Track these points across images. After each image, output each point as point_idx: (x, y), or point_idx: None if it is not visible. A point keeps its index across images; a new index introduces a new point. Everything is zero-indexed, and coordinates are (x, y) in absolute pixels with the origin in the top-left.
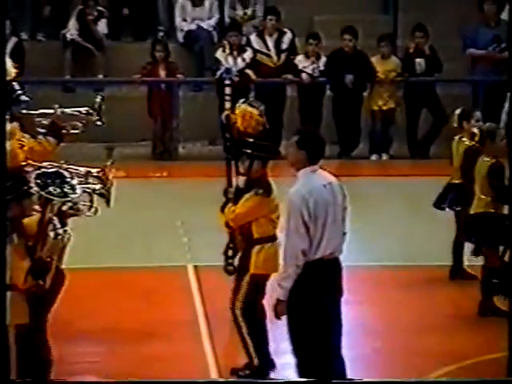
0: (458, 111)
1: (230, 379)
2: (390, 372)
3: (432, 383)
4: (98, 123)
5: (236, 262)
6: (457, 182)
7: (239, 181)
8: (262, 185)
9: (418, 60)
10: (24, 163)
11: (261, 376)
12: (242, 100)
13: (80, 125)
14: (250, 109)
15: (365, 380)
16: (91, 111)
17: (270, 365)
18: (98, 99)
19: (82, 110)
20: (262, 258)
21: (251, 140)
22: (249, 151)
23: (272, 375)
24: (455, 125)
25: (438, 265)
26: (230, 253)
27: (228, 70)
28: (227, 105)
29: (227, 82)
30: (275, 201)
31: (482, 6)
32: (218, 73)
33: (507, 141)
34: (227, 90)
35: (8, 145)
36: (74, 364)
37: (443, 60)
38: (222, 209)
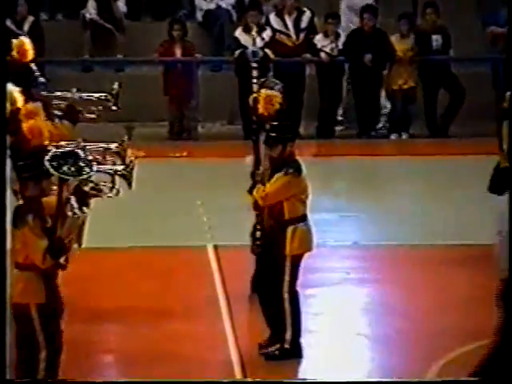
0: (509, 92)
1: (232, 379)
2: (411, 351)
3: (432, 383)
4: (114, 108)
5: (263, 243)
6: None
7: (265, 162)
8: (291, 164)
9: (434, 36)
10: (47, 142)
11: (290, 356)
12: (261, 80)
13: (95, 109)
14: (271, 93)
15: (365, 380)
16: (108, 97)
17: (299, 352)
18: (116, 85)
19: (100, 95)
20: (298, 239)
21: (275, 123)
22: (274, 134)
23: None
24: (505, 105)
25: (456, 244)
26: (258, 234)
27: (254, 53)
28: (254, 87)
29: (254, 64)
30: (305, 180)
31: None
32: (237, 52)
33: (508, 140)
34: (254, 73)
35: (33, 122)
36: (95, 343)
37: (461, 38)
38: (251, 190)
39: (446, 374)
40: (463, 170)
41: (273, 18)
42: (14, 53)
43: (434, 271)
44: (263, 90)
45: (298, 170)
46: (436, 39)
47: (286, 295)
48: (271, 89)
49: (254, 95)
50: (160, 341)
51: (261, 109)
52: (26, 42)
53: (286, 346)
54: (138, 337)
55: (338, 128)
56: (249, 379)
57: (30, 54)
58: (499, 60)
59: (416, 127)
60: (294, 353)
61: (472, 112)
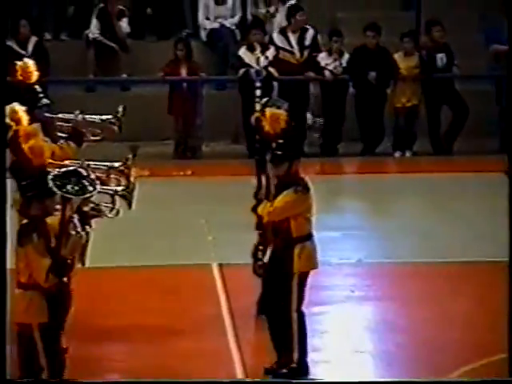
0: None
1: (234, 379)
2: (413, 368)
3: (432, 383)
4: (117, 131)
5: (266, 261)
6: None
7: (270, 181)
8: (300, 182)
9: (439, 55)
10: (49, 162)
11: (298, 375)
12: (265, 99)
13: (99, 131)
14: (277, 111)
15: (365, 380)
16: (112, 120)
17: (306, 371)
18: (121, 108)
19: (104, 117)
20: (305, 256)
21: (281, 141)
22: (280, 152)
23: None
24: None
25: (460, 261)
26: (260, 254)
27: (258, 72)
28: (257, 107)
29: (257, 84)
30: (311, 199)
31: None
32: (241, 71)
33: (507, 139)
34: (257, 92)
35: (34, 142)
36: (99, 361)
37: (464, 56)
38: (254, 209)
39: None
40: (467, 187)
41: (276, 36)
42: (19, 75)
43: (437, 288)
44: (268, 109)
45: (306, 188)
46: (441, 57)
47: (294, 314)
48: (277, 107)
49: (257, 114)
50: (165, 359)
51: (267, 127)
52: (30, 64)
53: (293, 365)
54: (143, 355)
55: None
56: (248, 379)
57: (35, 76)
58: (502, 77)
59: (420, 145)
60: (301, 372)
61: (475, 129)
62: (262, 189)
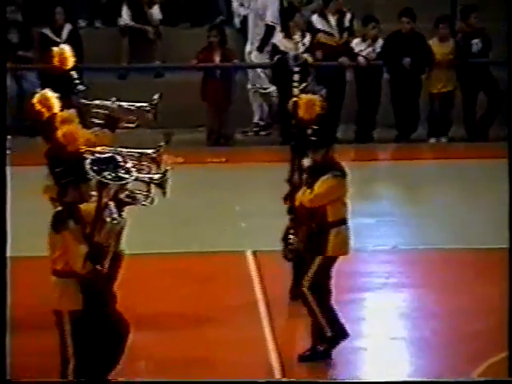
0: None
1: (240, 379)
2: (447, 354)
3: (433, 383)
4: (151, 118)
5: (298, 245)
6: None
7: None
8: (337, 167)
9: (474, 41)
10: (83, 148)
11: (335, 345)
12: (303, 85)
13: (134, 118)
14: (312, 97)
15: (364, 380)
16: (148, 108)
17: (343, 333)
18: (156, 97)
19: (139, 105)
20: (340, 241)
21: (316, 127)
22: (315, 138)
23: (345, 342)
24: None
25: (495, 247)
26: (291, 239)
27: (296, 57)
28: (295, 92)
29: (296, 69)
30: (347, 183)
31: None
32: (276, 58)
33: (507, 138)
34: (295, 77)
35: (68, 128)
36: (132, 348)
37: (500, 41)
38: (289, 195)
39: (486, 376)
40: (502, 173)
41: (315, 18)
42: (55, 60)
43: (471, 275)
44: (304, 95)
45: (343, 173)
46: (476, 43)
47: (305, 289)
48: (314, 93)
49: (294, 99)
50: (198, 346)
51: (302, 113)
52: (67, 49)
53: (328, 333)
54: (177, 342)
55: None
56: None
57: (70, 62)
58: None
59: (455, 131)
60: (339, 337)
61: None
62: (296, 174)
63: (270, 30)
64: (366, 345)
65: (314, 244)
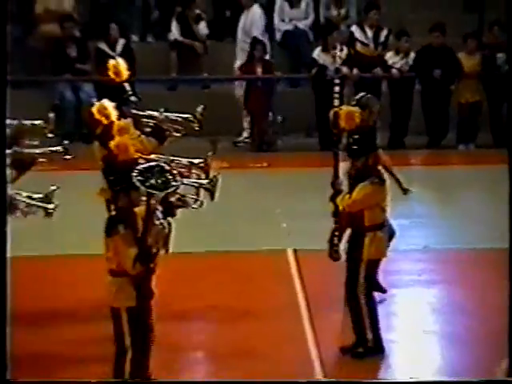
0: None
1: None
2: (480, 348)
3: (432, 383)
4: (197, 128)
5: (342, 248)
6: None
7: (343, 172)
8: (375, 174)
9: (499, 55)
10: (134, 157)
11: (374, 353)
12: (359, 95)
13: (181, 128)
14: (352, 109)
15: (364, 380)
16: (193, 119)
17: (382, 349)
18: (200, 108)
19: (185, 116)
20: (375, 245)
21: (356, 137)
22: (356, 147)
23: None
24: None
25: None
26: (336, 240)
27: (337, 70)
28: (336, 102)
29: (336, 81)
30: (386, 189)
31: None
32: (314, 70)
33: (507, 138)
34: (336, 89)
35: (120, 139)
36: (180, 341)
37: None
38: (332, 198)
39: None
40: None
41: (355, 29)
42: (110, 73)
43: (499, 272)
44: (344, 106)
45: (381, 179)
46: (500, 57)
47: (362, 297)
48: (369, 106)
49: (335, 110)
50: (242, 339)
51: (342, 123)
52: (121, 63)
53: (370, 345)
54: (220, 335)
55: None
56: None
57: (125, 74)
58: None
59: (482, 138)
60: (378, 350)
61: None
62: (339, 179)
63: (254, 43)
64: (399, 338)
65: (352, 247)
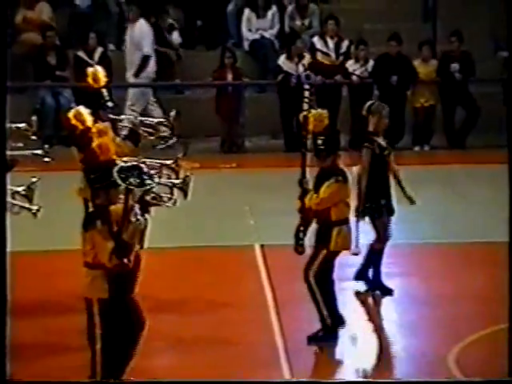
0: None
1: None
2: (434, 335)
3: (432, 383)
4: (168, 134)
5: (306, 241)
6: None
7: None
8: (339, 172)
9: (453, 65)
10: (113, 158)
11: (333, 333)
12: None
13: (155, 132)
14: (322, 112)
15: (364, 380)
16: (165, 123)
17: (340, 322)
18: (173, 113)
19: (158, 120)
20: (341, 238)
21: (323, 138)
22: (323, 147)
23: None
24: None
25: (473, 242)
26: (301, 235)
27: (308, 76)
28: (305, 106)
29: (306, 86)
30: (349, 187)
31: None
32: (280, 77)
33: (507, 141)
34: (306, 94)
35: (102, 140)
36: (155, 328)
37: (477, 61)
38: (301, 197)
39: (466, 354)
40: (479, 176)
41: (316, 40)
42: (89, 79)
43: (454, 265)
44: (313, 110)
45: (344, 177)
46: (454, 67)
47: (311, 279)
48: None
49: (305, 113)
50: (212, 326)
51: (311, 126)
52: (100, 70)
53: (328, 321)
54: (194, 324)
55: None
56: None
57: (103, 81)
58: (509, 80)
59: (436, 140)
60: (336, 325)
61: (486, 126)
62: (306, 178)
63: (146, 60)
64: (361, 327)
65: (319, 240)
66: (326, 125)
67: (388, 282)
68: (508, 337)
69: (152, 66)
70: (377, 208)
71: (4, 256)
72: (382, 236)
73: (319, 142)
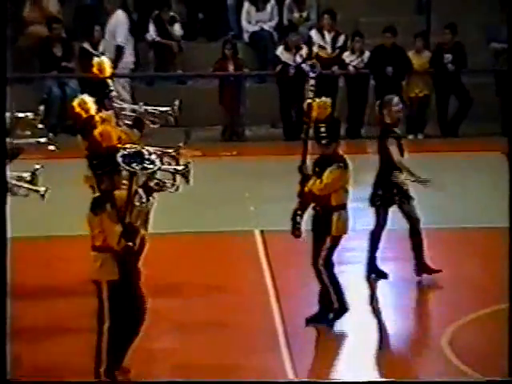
0: None
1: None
2: (425, 318)
3: (432, 383)
4: (173, 120)
5: (303, 225)
6: None
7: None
8: (340, 160)
9: (446, 55)
10: (117, 144)
11: (339, 317)
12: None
13: (158, 120)
14: (325, 100)
15: (364, 380)
16: (170, 112)
17: (346, 308)
18: (177, 103)
19: (163, 109)
20: (341, 223)
21: (325, 125)
22: (326, 135)
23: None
24: None
25: (463, 227)
26: (298, 219)
27: (312, 65)
28: (310, 95)
29: (311, 74)
30: (349, 173)
31: (504, 5)
32: (278, 67)
33: (508, 134)
34: (311, 82)
35: (104, 128)
36: (158, 314)
37: (470, 52)
38: (301, 182)
39: (458, 336)
40: (470, 164)
41: (314, 33)
42: (95, 69)
43: (445, 250)
44: (318, 98)
45: (345, 164)
46: (447, 57)
47: (321, 267)
48: (389, 101)
49: (309, 101)
50: (212, 310)
51: (315, 113)
52: (105, 60)
53: (336, 306)
54: (194, 307)
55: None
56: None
57: (108, 71)
58: (501, 71)
59: (430, 128)
60: (343, 310)
61: (478, 115)
62: (306, 164)
63: (119, 50)
64: (357, 305)
65: (321, 225)
66: (329, 113)
67: (383, 266)
68: (508, 337)
69: (128, 56)
70: (388, 197)
71: (4, 256)
72: (383, 223)
73: (322, 129)
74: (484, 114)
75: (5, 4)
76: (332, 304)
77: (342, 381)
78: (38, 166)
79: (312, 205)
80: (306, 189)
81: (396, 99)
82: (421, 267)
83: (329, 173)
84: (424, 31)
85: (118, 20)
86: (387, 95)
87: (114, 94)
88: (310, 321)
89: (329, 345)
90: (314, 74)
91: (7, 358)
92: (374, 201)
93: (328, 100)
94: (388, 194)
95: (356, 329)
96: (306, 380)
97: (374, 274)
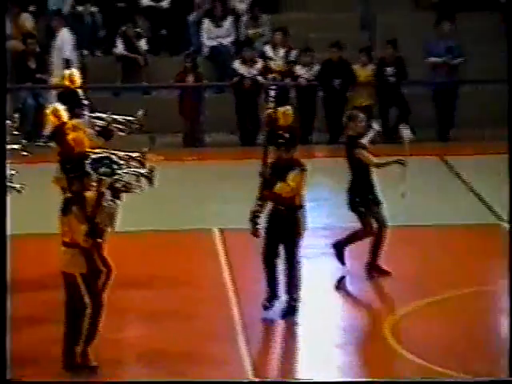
0: None
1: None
2: (375, 307)
3: (432, 383)
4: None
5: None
6: None
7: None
8: (299, 164)
9: (388, 68)
10: (87, 150)
11: (295, 308)
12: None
13: (125, 128)
14: (288, 108)
15: (364, 380)
16: (135, 121)
17: (298, 300)
18: (140, 113)
19: (128, 118)
20: (304, 222)
21: (288, 132)
22: (288, 141)
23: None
24: None
25: (423, 225)
26: (257, 220)
27: (274, 79)
28: (271, 105)
29: (273, 87)
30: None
31: (440, 23)
32: (235, 79)
33: (508, 139)
34: (272, 93)
35: (76, 135)
36: (124, 304)
37: (409, 65)
38: (262, 186)
39: (399, 324)
40: (413, 168)
41: (268, 48)
42: (66, 81)
43: (414, 245)
44: (280, 107)
45: (304, 168)
46: (389, 70)
47: (298, 264)
48: (356, 116)
49: (270, 111)
50: (174, 301)
51: (280, 121)
52: (75, 72)
53: (294, 297)
54: (159, 299)
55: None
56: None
57: (78, 82)
58: (437, 83)
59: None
60: (297, 301)
61: (416, 122)
62: (267, 169)
63: (67, 63)
64: (310, 298)
65: (285, 224)
66: (291, 121)
67: (331, 261)
68: (509, 337)
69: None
70: (365, 202)
71: (4, 256)
72: (369, 226)
73: (286, 135)
74: (422, 121)
75: (5, 5)
76: (297, 291)
77: (342, 381)
78: (12, 172)
79: (272, 205)
80: (267, 192)
81: (361, 115)
82: (373, 267)
83: (294, 176)
84: (368, 46)
85: (64, 37)
86: (353, 110)
87: (84, 102)
88: (265, 307)
89: (283, 333)
90: (275, 86)
91: (7, 358)
92: (354, 207)
93: (290, 109)
94: (364, 198)
95: (310, 319)
96: (306, 380)
97: (374, 270)
